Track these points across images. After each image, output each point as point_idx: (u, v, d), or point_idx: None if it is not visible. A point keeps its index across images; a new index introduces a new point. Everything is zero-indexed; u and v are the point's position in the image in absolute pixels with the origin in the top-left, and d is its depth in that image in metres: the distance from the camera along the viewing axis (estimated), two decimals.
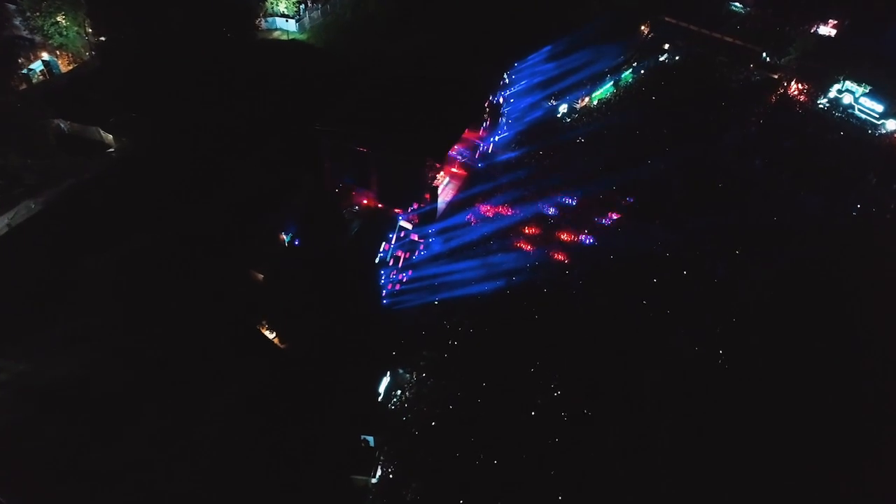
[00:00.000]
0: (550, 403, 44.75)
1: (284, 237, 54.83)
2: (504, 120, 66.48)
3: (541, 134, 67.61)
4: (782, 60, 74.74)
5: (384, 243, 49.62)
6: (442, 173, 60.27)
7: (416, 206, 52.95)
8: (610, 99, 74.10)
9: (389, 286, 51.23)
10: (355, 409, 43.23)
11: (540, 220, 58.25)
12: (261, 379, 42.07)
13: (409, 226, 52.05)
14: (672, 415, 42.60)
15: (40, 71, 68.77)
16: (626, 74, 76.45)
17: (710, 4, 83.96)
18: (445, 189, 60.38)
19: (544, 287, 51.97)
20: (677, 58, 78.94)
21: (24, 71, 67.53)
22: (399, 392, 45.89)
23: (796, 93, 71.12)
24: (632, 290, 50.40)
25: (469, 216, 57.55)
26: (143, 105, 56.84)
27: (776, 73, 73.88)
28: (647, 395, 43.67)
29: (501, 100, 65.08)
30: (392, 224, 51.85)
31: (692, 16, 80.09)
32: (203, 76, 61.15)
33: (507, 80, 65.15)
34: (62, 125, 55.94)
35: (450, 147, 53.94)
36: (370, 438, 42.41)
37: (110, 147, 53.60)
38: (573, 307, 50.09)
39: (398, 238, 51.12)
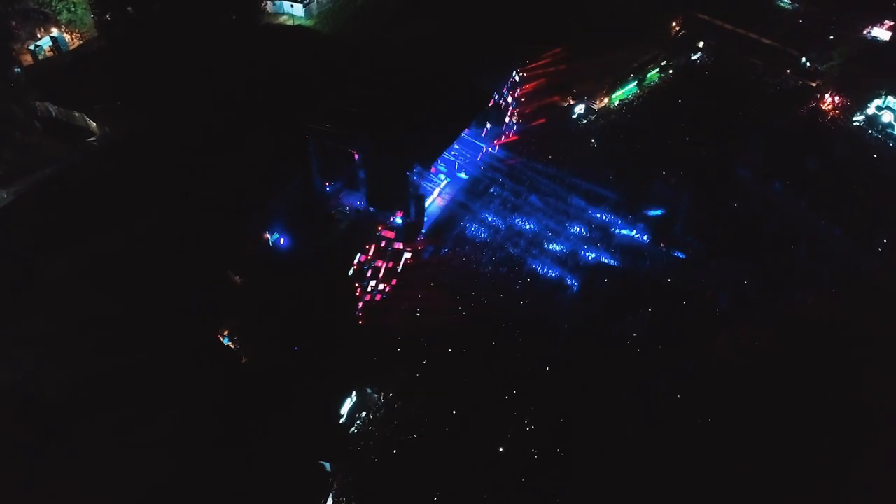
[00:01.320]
0: (521, 438, 41.93)
1: (269, 236, 52.76)
2: (513, 120, 62.77)
3: (551, 137, 63.86)
4: (823, 66, 68.71)
5: (360, 254, 46.90)
6: (442, 176, 57.33)
7: (399, 214, 50.06)
8: (632, 100, 69.48)
9: (368, 297, 48.75)
10: (313, 431, 41.17)
11: (536, 234, 54.94)
12: (213, 392, 40.26)
13: (389, 235, 49.28)
14: (645, 472, 39.10)
15: (48, 47, 67.56)
16: (652, 74, 71.54)
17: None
18: (442, 194, 57.44)
19: (530, 307, 48.98)
20: (708, 59, 73.52)
21: (31, 47, 66.41)
22: (364, 414, 43.63)
23: (830, 106, 65.08)
24: (622, 318, 46.78)
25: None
26: (132, 92, 54.94)
27: (814, 81, 67.86)
28: (623, 443, 40.36)
29: (510, 98, 61.25)
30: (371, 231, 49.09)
31: (729, 13, 74.01)
32: (200, 62, 58.79)
33: (516, 78, 61.19)
34: (50, 108, 54.56)
35: (439, 153, 50.82)
36: (326, 464, 40.48)
37: (93, 135, 51.96)
38: (557, 333, 46.89)
39: (378, 247, 48.38)
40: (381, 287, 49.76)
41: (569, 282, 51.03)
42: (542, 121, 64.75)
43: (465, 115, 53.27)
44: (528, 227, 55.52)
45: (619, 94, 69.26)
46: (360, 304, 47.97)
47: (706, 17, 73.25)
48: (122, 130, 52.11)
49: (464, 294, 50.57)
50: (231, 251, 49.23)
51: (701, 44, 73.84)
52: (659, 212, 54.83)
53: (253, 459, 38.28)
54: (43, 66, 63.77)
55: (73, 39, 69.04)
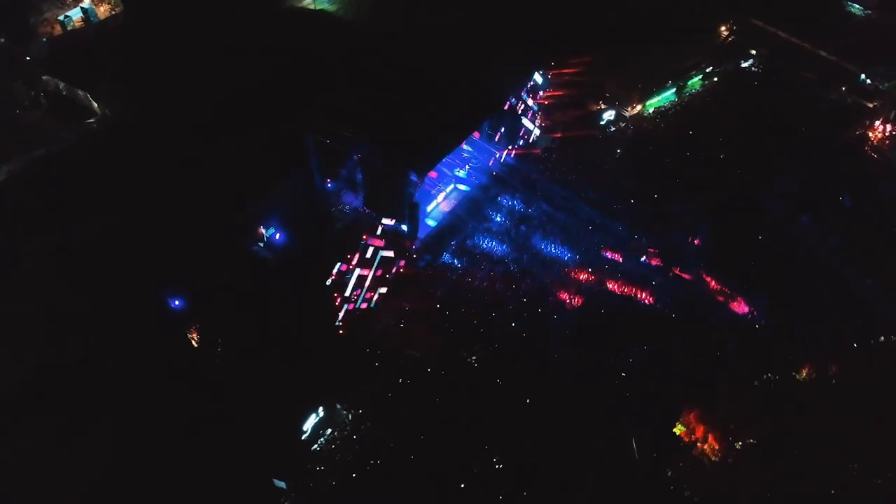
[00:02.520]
0: (486, 475, 39.47)
1: (264, 231, 51.23)
2: (532, 125, 59.17)
3: (573, 144, 60.02)
4: (886, 85, 62.17)
5: (341, 264, 44.76)
6: (441, 184, 54.52)
7: (391, 222, 47.64)
8: (668, 109, 64.73)
9: (351, 306, 46.77)
10: (271, 445, 39.72)
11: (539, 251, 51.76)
12: (168, 396, 39.21)
13: (378, 243, 46.95)
14: None
15: (78, 18, 67.09)
16: (694, 81, 66.42)
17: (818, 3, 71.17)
18: (448, 199, 54.73)
19: (521, 331, 46.15)
20: (758, 68, 67.79)
21: (61, 17, 66.08)
22: (330, 431, 41.93)
23: (881, 133, 58.50)
24: (614, 353, 43.41)
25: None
26: (140, 73, 53.76)
27: (871, 101, 61.40)
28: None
29: (531, 101, 57.58)
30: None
31: (789, 18, 67.77)
32: (213, 43, 57.20)
33: (538, 80, 57.38)
34: (60, 85, 54.02)
35: (436, 161, 47.99)
36: (282, 483, 39.04)
37: (94, 116, 51.16)
38: (543, 367, 43.98)
39: (363, 255, 46.14)
40: (367, 296, 47.64)
41: (567, 305, 47.81)
42: (565, 128, 60.86)
43: (470, 121, 50.17)
44: (531, 242, 52.33)
45: (655, 101, 64.59)
46: (341, 314, 45.95)
47: (760, 23, 67.25)
48: (123, 114, 51.05)
49: (454, 310, 48.10)
50: (221, 245, 47.95)
51: (753, 51, 68.15)
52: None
53: (202, 470, 37.21)
54: (70, 38, 63.26)
55: (103, 10, 68.47)
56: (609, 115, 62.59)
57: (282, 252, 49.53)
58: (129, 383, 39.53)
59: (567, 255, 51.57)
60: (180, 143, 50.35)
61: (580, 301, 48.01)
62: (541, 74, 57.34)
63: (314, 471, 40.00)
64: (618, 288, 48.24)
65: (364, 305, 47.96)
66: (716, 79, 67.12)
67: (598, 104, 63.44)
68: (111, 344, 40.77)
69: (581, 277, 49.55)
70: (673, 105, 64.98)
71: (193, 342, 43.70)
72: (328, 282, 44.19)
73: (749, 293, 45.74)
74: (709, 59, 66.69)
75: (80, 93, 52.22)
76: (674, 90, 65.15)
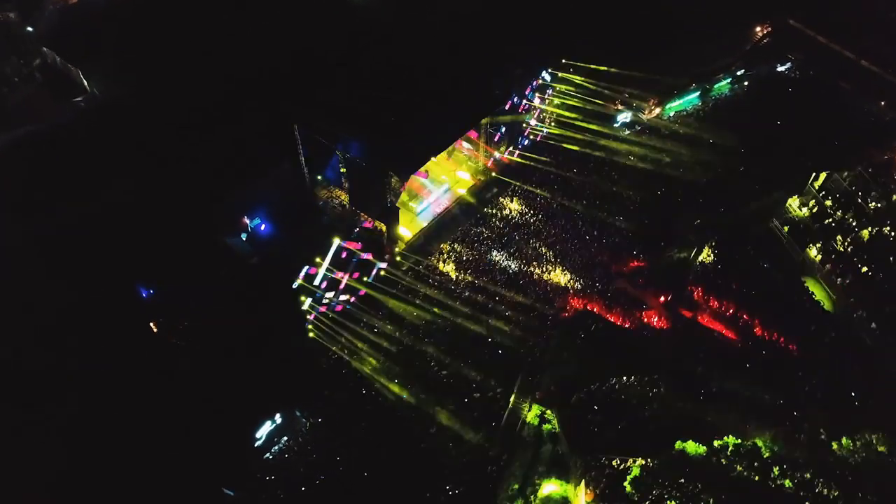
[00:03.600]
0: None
1: (248, 221, 49.95)
2: (541, 124, 56.11)
3: (583, 147, 56.70)
4: None
5: (309, 267, 42.99)
6: (432, 183, 52.05)
7: (368, 224, 45.62)
8: (690, 113, 60.57)
9: (323, 308, 45.16)
10: (222, 452, 38.63)
11: (528, 262, 49.07)
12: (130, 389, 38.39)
13: (353, 246, 45.01)
14: None
15: None
16: (722, 84, 61.98)
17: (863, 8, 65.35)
18: (440, 199, 52.36)
19: (495, 351, 43.88)
20: (795, 74, 62.84)
21: None
22: (286, 439, 40.64)
23: None
24: (587, 385, 40.71)
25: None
26: (135, 52, 52.48)
27: None
28: None
29: (537, 100, 54.46)
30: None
31: (834, 22, 62.35)
32: (215, 28, 55.32)
33: (547, 78, 54.08)
34: (57, 60, 53.26)
35: (421, 164, 45.53)
36: (230, 492, 38.03)
37: (83, 94, 50.25)
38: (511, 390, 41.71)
39: (337, 258, 44.30)
40: (342, 298, 45.94)
41: (550, 323, 45.28)
42: (575, 130, 57.49)
43: (463, 122, 47.36)
44: (520, 251, 49.71)
45: (676, 105, 60.54)
46: (311, 316, 44.40)
47: (799, 26, 62.06)
48: (112, 93, 50.03)
49: (431, 320, 46.07)
50: (202, 234, 46.81)
51: (791, 57, 63.17)
52: None
53: (149, 471, 36.32)
54: (81, 8, 62.45)
55: None
56: (624, 116, 58.95)
57: (263, 245, 48.36)
58: (89, 375, 38.96)
59: (558, 269, 48.76)
60: (169, 128, 49.22)
61: (566, 317, 45.43)
62: (549, 72, 53.98)
63: (264, 480, 38.83)
64: (603, 309, 45.29)
65: (339, 308, 46.27)
66: (746, 83, 62.48)
67: (615, 104, 59.76)
68: (74, 333, 40.17)
69: (568, 295, 46.72)
70: (696, 109, 60.81)
71: (157, 334, 42.78)
72: (295, 284, 42.42)
73: (743, 326, 42.26)
74: (740, 60, 62.04)
75: (73, 69, 51.29)
76: (698, 93, 60.90)
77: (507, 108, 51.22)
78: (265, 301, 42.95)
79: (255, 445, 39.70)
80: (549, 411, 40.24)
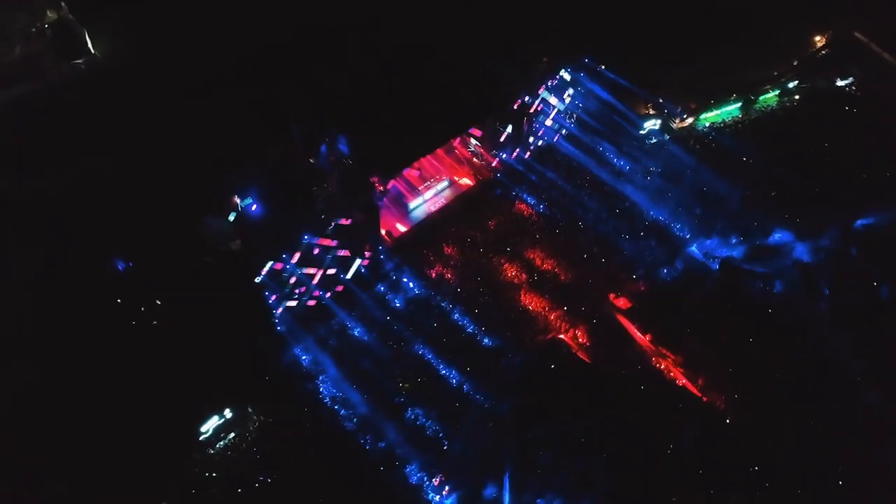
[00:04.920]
0: None
1: (239, 200, 48.76)
2: (556, 126, 52.36)
3: (601, 154, 52.78)
4: None
5: (275, 262, 41.32)
6: (427, 180, 49.39)
7: (345, 221, 43.46)
8: (727, 125, 55.30)
9: (294, 303, 43.77)
10: (163, 440, 38.04)
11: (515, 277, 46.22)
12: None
13: (327, 242, 43.11)
14: None
15: None
16: (770, 96, 56.23)
17: None
18: (436, 197, 49.76)
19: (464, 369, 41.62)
20: (856, 91, 56.41)
21: None
22: (233, 435, 39.81)
23: None
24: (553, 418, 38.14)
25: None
26: (143, 14, 51.28)
27: None
28: None
29: (554, 100, 50.57)
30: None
31: None
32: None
33: (566, 77, 49.99)
34: (70, 16, 52.60)
35: (405, 165, 42.99)
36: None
37: (86, 56, 49.54)
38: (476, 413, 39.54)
39: (308, 254, 42.53)
40: (315, 294, 44.41)
41: (523, 346, 42.65)
42: (595, 135, 53.45)
43: (457, 122, 44.24)
44: (511, 261, 46.86)
45: (713, 115, 55.35)
46: (278, 311, 43.07)
47: (865, 39, 55.32)
48: (113, 57, 49.18)
49: (404, 325, 44.12)
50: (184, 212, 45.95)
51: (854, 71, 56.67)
52: None
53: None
54: None
55: None
56: (652, 123, 54.30)
57: (251, 229, 47.17)
58: (47, 343, 38.98)
59: (547, 286, 45.75)
60: (165, 98, 48.17)
61: (541, 341, 42.67)
62: (569, 71, 49.89)
63: (202, 476, 38.19)
64: (585, 337, 42.25)
65: (312, 303, 44.81)
66: (797, 97, 56.49)
67: (647, 108, 55.15)
68: (37, 298, 40.21)
69: (552, 315, 43.81)
70: (735, 122, 55.44)
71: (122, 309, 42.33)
72: (257, 279, 41.00)
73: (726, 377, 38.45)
74: (792, 71, 56.00)
75: (81, 28, 50.54)
76: (740, 104, 55.44)
77: (515, 107, 47.61)
78: (228, 290, 41.76)
79: (200, 438, 39.05)
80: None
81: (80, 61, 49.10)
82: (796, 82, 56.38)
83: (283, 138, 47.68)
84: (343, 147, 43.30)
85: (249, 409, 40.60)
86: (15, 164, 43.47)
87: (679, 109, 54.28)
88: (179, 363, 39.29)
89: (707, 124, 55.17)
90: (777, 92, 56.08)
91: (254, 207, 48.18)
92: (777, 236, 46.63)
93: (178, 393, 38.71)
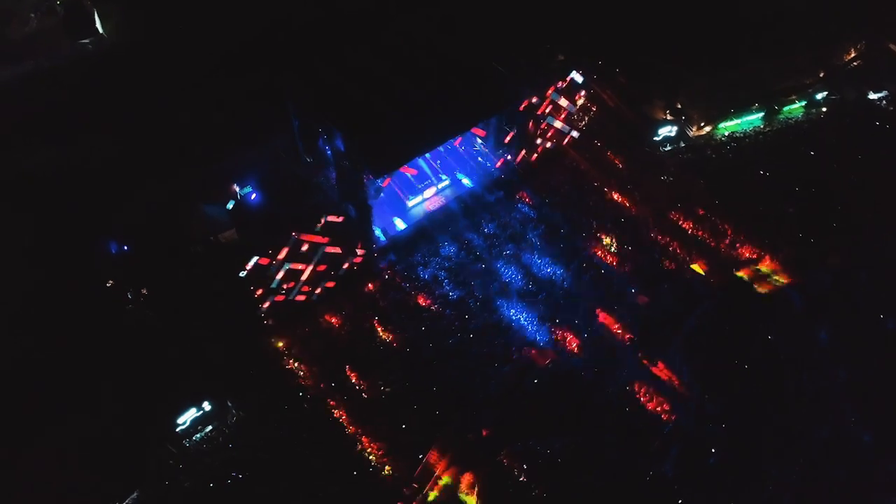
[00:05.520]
0: None
1: (238, 189, 48.41)
2: (564, 128, 50.61)
3: (609, 159, 50.99)
4: None
5: (259, 257, 40.64)
6: (433, 178, 48.31)
7: (334, 218, 42.59)
8: (747, 135, 52.94)
9: (281, 298, 43.24)
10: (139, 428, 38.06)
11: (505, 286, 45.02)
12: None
13: (315, 239, 42.32)
14: None
15: None
16: (795, 107, 53.63)
17: None
18: (436, 196, 48.68)
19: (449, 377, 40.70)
20: (888, 104, 53.42)
21: None
22: (210, 428, 39.63)
23: None
24: (536, 433, 37.05)
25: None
26: None
27: None
28: None
29: (564, 101, 48.79)
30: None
31: None
32: None
33: (578, 79, 48.12)
34: None
35: (398, 165, 41.90)
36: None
37: (93, 35, 49.44)
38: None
39: (295, 250, 41.82)
40: (304, 289, 43.81)
41: (508, 359, 41.50)
42: (608, 139, 51.57)
43: (456, 123, 42.81)
44: (508, 267, 45.66)
45: (732, 125, 53.08)
46: (265, 304, 42.59)
47: None
48: (121, 38, 49.03)
49: (392, 326, 43.36)
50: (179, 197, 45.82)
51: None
52: None
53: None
54: None
55: None
56: (668, 130, 52.27)
57: (247, 217, 46.79)
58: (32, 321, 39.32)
59: (542, 295, 44.46)
60: (169, 81, 47.96)
61: (528, 352, 41.50)
62: (581, 73, 48.02)
63: (176, 468, 38.10)
64: (572, 351, 40.95)
65: (302, 297, 44.24)
66: (825, 109, 53.76)
67: (664, 114, 53.12)
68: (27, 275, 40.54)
69: (542, 328, 42.57)
70: (756, 132, 53.05)
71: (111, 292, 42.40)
72: (242, 273, 40.47)
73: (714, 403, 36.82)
74: (822, 82, 53.25)
75: (90, 6, 50.48)
76: (762, 114, 53.00)
77: (521, 108, 46.09)
78: (214, 281, 41.46)
79: (177, 430, 38.93)
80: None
81: (87, 41, 48.97)
82: (825, 94, 53.71)
83: (282, 129, 47.27)
84: (339, 142, 42.42)
85: (229, 403, 40.32)
86: (14, 140, 43.67)
87: (697, 116, 52.10)
88: (160, 352, 39.36)
89: (726, 133, 52.96)
90: (803, 103, 53.51)
91: (253, 197, 47.83)
92: (785, 255, 44.39)
93: (157, 382, 38.67)
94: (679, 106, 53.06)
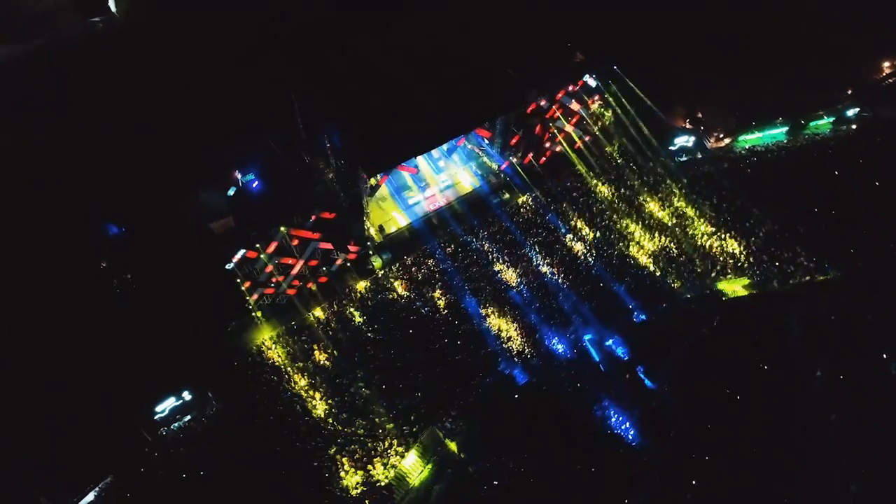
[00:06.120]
0: None
1: (240, 175, 48.21)
2: (574, 133, 48.97)
3: (621, 168, 49.25)
4: None
5: (245, 250, 40.17)
6: (427, 178, 47.32)
7: (326, 214, 41.97)
8: (769, 150, 50.45)
9: (271, 290, 42.89)
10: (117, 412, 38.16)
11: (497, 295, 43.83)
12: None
13: (304, 234, 41.75)
14: None
15: None
16: (822, 123, 50.94)
17: None
18: (436, 196, 47.74)
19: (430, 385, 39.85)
20: None
21: None
22: (188, 418, 39.58)
23: None
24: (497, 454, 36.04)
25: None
26: None
27: None
28: None
29: (576, 105, 47.18)
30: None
31: None
32: None
33: (592, 83, 46.40)
34: None
35: (392, 165, 40.97)
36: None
37: (103, 14, 49.30)
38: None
39: (283, 245, 41.32)
40: (294, 284, 43.39)
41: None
42: (621, 147, 49.73)
43: (454, 125, 41.55)
44: (504, 274, 44.49)
45: (753, 138, 50.67)
46: (254, 297, 42.25)
47: None
48: (132, 19, 48.81)
49: (379, 326, 42.64)
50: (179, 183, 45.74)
51: None
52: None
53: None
54: None
55: None
56: (685, 140, 50.17)
57: (248, 205, 46.54)
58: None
59: (535, 305, 43.23)
60: (180, 64, 47.70)
61: (514, 364, 40.42)
62: (595, 78, 46.27)
63: (151, 456, 38.13)
64: (559, 370, 39.69)
65: (292, 292, 43.83)
66: (855, 126, 50.93)
67: (683, 122, 51.07)
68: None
69: (530, 340, 41.37)
70: (778, 148, 50.52)
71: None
72: (229, 266, 40.12)
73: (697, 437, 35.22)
74: (853, 98, 50.44)
75: None
76: (786, 128, 50.46)
77: (528, 111, 44.64)
78: (203, 270, 41.26)
79: (156, 417, 38.95)
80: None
81: (98, 19, 48.85)
82: (856, 110, 50.86)
83: (286, 120, 46.75)
84: (336, 138, 41.66)
85: (209, 395, 40.19)
86: (19, 116, 43.90)
87: (716, 127, 49.95)
88: (143, 337, 39.34)
89: (746, 147, 50.55)
90: (832, 119, 50.75)
91: (255, 184, 47.51)
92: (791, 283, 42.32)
93: (138, 368, 38.64)
94: (699, 115, 50.91)
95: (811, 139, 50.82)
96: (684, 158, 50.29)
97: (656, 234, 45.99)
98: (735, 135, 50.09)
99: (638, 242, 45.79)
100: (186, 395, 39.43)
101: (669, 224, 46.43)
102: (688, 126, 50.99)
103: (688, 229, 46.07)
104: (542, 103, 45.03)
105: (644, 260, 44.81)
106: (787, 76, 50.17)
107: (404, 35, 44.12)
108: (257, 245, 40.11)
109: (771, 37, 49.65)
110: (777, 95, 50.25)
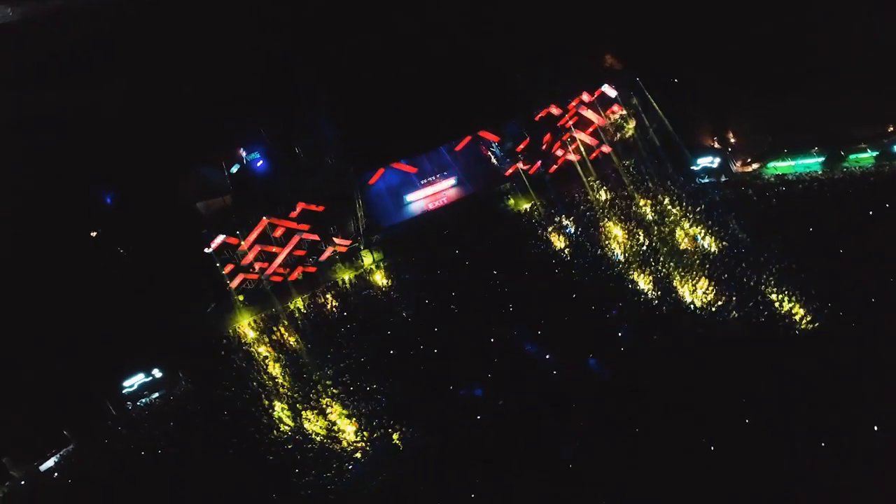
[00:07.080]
0: None
1: (244, 153, 48.10)
2: (588, 142, 46.59)
3: (630, 186, 46.70)
4: None
5: (223, 236, 39.63)
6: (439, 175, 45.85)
7: (314, 207, 41.10)
8: (800, 180, 46.81)
9: (254, 276, 42.54)
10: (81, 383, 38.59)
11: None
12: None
13: (292, 225, 41.02)
14: None
15: None
16: (864, 156, 46.87)
17: None
18: (436, 195, 46.32)
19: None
20: None
21: None
22: (156, 396, 39.72)
23: None
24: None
25: None
26: None
27: None
28: None
29: (591, 114, 44.78)
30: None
31: None
32: None
33: (611, 94, 43.84)
34: None
35: (384, 163, 39.77)
36: None
37: None
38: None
39: (266, 233, 40.74)
40: (280, 270, 42.90)
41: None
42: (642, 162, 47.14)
43: (460, 124, 40.05)
44: (499, 281, 42.88)
45: (785, 165, 47.14)
46: (235, 282, 41.91)
47: None
48: None
49: (364, 321, 41.77)
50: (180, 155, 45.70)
51: None
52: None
53: None
54: None
55: None
56: (709, 161, 47.14)
57: (247, 185, 46.34)
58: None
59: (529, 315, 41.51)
60: (188, 37, 47.38)
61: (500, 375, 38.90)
62: (613, 87, 43.69)
63: (114, 429, 38.39)
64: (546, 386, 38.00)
65: (278, 279, 43.35)
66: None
67: (711, 141, 48.01)
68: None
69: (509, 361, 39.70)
70: (811, 179, 46.81)
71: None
72: (208, 250, 39.77)
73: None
74: None
75: None
76: (822, 159, 46.71)
77: (537, 118, 42.54)
78: (189, 251, 41.13)
79: (123, 391, 39.20)
80: None
81: None
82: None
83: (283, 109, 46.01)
84: (331, 131, 40.69)
85: (180, 374, 40.18)
86: (18, 83, 44.33)
87: (745, 149, 46.71)
88: (119, 309, 39.50)
89: (775, 174, 47.04)
90: (875, 154, 46.58)
91: (259, 164, 47.18)
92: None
93: (111, 340, 38.86)
94: (730, 135, 47.71)
95: (850, 173, 46.85)
96: (706, 180, 47.24)
97: (662, 257, 43.39)
98: (765, 160, 46.72)
99: (642, 263, 43.29)
100: (157, 373, 39.56)
101: (682, 248, 43.71)
102: (715, 145, 47.88)
103: (695, 256, 43.26)
104: (554, 110, 42.77)
105: (647, 282, 42.37)
106: (831, 100, 46.22)
107: (414, 31, 42.41)
108: (237, 232, 39.55)
109: (816, 57, 45.71)
110: (817, 121, 46.44)
